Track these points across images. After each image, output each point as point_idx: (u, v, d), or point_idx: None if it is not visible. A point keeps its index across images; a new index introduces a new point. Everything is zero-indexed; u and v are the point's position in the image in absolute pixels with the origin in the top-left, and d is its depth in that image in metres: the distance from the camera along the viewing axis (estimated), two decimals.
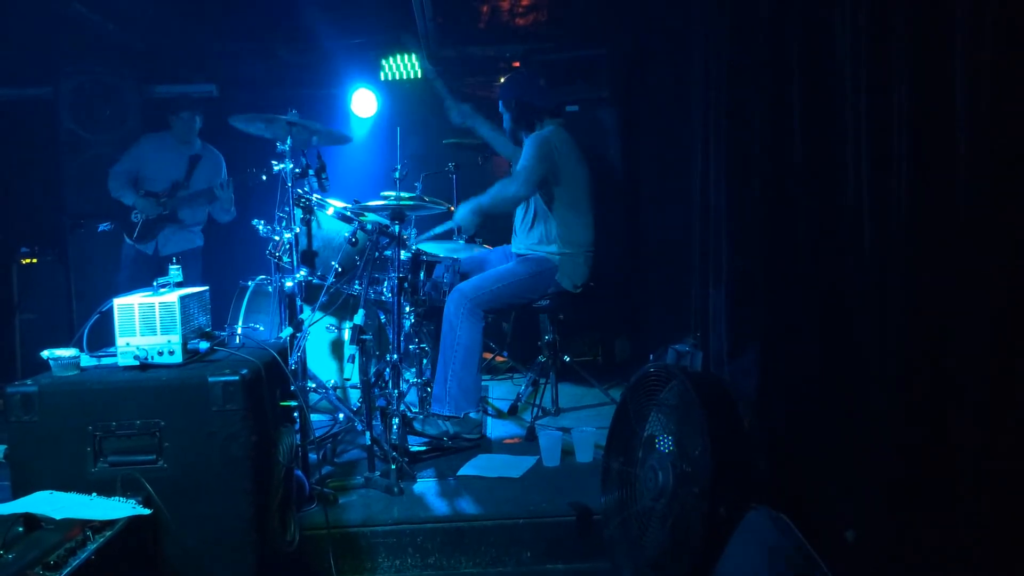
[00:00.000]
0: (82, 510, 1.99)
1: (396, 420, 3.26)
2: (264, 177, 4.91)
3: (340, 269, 3.58)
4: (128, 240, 5.05)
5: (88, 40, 5.30)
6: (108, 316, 2.40)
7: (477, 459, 3.44)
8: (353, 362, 3.48)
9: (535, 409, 4.05)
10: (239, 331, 3.87)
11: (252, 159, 4.69)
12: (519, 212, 4.13)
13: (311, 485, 2.97)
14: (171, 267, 2.56)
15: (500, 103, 4.18)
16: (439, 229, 4.18)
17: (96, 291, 5.14)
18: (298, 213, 3.45)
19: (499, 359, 5.17)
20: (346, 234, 3.59)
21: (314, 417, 3.80)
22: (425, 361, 4.19)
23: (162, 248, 5.06)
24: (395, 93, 5.99)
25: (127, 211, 5.04)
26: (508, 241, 4.22)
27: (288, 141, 3.34)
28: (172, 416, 2.24)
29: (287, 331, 3.23)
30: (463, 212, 3.94)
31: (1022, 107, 1.60)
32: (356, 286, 3.67)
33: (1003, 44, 1.62)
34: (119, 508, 2.06)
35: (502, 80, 4.50)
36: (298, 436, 2.82)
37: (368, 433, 3.25)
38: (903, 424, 1.95)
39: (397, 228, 3.42)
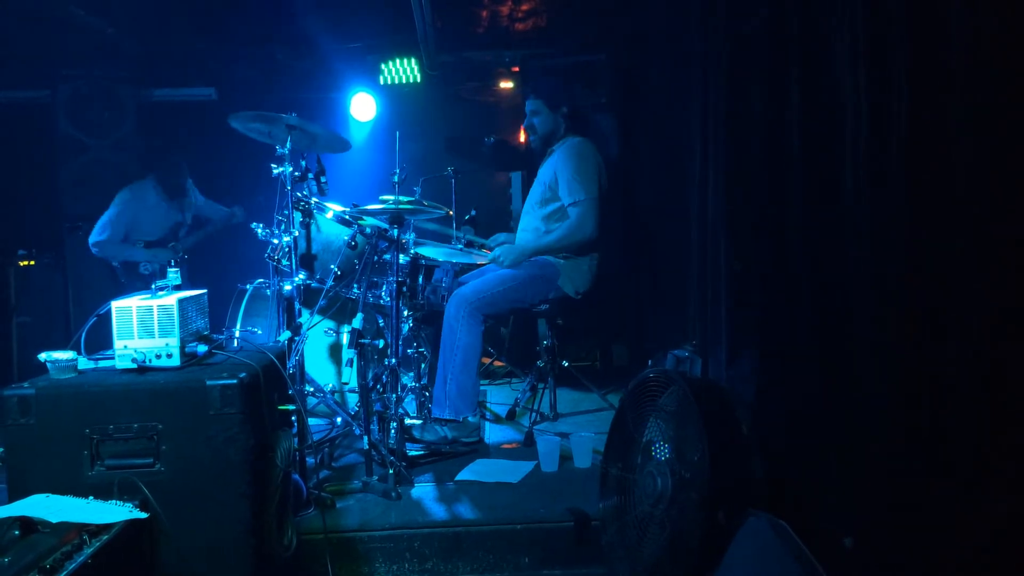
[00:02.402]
0: (79, 514, 1.98)
1: (394, 424, 3.25)
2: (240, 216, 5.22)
3: (339, 273, 3.57)
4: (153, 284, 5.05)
5: (86, 43, 5.30)
6: (106, 319, 2.40)
7: (475, 464, 3.43)
8: (351, 366, 3.47)
9: (533, 414, 4.05)
10: (237, 334, 3.86)
11: (251, 164, 4.69)
12: (526, 214, 4.12)
13: (309, 489, 2.96)
14: (169, 270, 2.55)
15: (540, 102, 4.11)
16: (474, 257, 4.05)
17: (94, 294, 5.13)
18: (297, 216, 3.45)
19: (497, 363, 5.17)
20: (345, 238, 3.59)
21: (312, 421, 3.79)
22: (423, 365, 4.19)
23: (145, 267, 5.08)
24: (394, 97, 6.00)
25: (134, 265, 5.02)
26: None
27: (287, 144, 3.34)
28: (170, 419, 2.23)
29: (285, 335, 3.23)
30: (515, 255, 3.91)
31: (1022, 107, 1.60)
32: (355, 290, 3.66)
33: (1001, 46, 1.62)
34: (116, 512, 2.05)
35: (543, 81, 4.43)
36: (296, 440, 2.82)
37: (366, 437, 3.24)
38: (902, 430, 1.95)
39: (396, 232, 3.42)
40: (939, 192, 1.80)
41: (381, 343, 3.47)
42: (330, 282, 3.54)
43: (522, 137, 5.38)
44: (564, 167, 3.95)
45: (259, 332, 4.01)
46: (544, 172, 4.10)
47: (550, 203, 4.02)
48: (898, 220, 1.94)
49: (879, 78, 2.00)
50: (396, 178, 3.45)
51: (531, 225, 4.08)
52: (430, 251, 3.98)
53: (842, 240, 2.20)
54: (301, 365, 3.31)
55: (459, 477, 3.28)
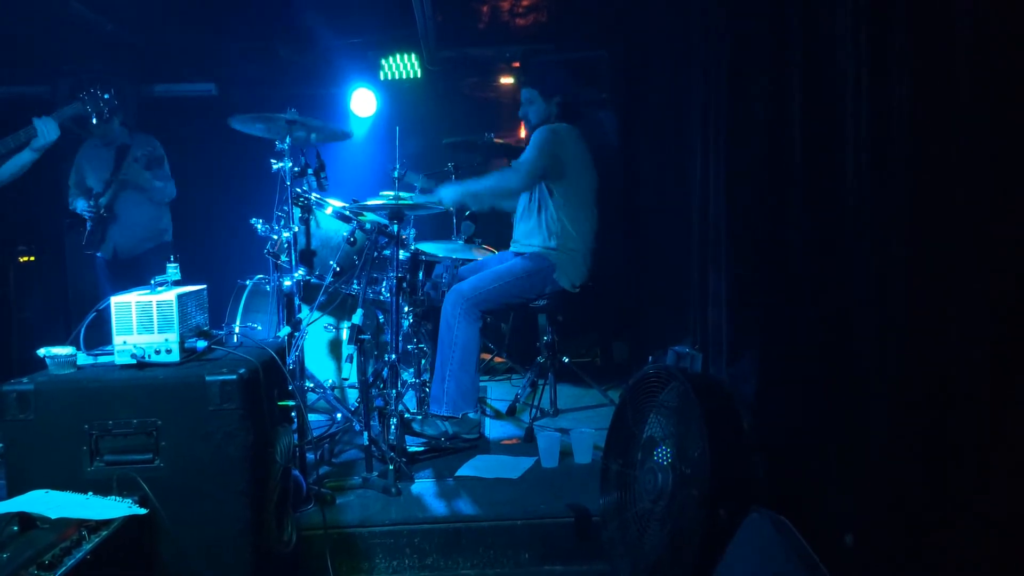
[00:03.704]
0: (78, 509, 1.97)
1: (394, 420, 3.25)
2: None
3: (338, 268, 3.57)
4: (84, 251, 4.92)
5: (86, 39, 5.29)
6: (105, 314, 2.39)
7: (475, 460, 3.43)
8: (351, 362, 3.47)
9: (533, 410, 4.05)
10: (237, 330, 3.86)
11: (251, 158, 4.68)
12: (519, 210, 4.11)
13: (308, 485, 2.96)
14: (169, 265, 2.55)
15: (535, 91, 4.07)
16: (420, 199, 3.84)
17: (93, 290, 5.12)
18: (296, 212, 3.44)
19: (497, 360, 5.16)
20: (344, 233, 3.58)
21: (312, 417, 3.79)
22: (424, 361, 4.18)
23: (120, 251, 4.93)
24: (394, 93, 5.99)
25: (84, 221, 4.91)
26: (508, 247, 4.21)
27: (287, 140, 3.33)
28: (169, 415, 2.22)
29: (285, 330, 3.22)
30: (451, 191, 3.84)
31: (1023, 108, 1.60)
32: (355, 286, 3.66)
33: (1004, 44, 1.62)
34: (115, 508, 2.04)
35: (537, 69, 4.39)
36: (296, 436, 2.81)
37: (366, 433, 3.24)
38: (902, 427, 1.94)
39: (396, 228, 3.41)
40: (941, 191, 1.80)
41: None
42: (329, 278, 3.54)
43: (522, 133, 5.37)
44: (532, 143, 3.93)
45: (259, 328, 4.01)
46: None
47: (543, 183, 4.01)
48: (899, 220, 1.94)
49: (880, 76, 1.99)
50: (396, 174, 3.44)
51: (524, 215, 4.07)
52: (431, 247, 3.97)
53: (843, 239, 2.19)
54: (301, 361, 3.31)
55: (459, 473, 3.27)
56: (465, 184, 3.89)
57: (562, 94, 4.05)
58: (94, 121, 4.04)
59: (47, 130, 3.85)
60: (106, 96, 3.76)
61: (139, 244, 4.95)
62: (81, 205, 4.92)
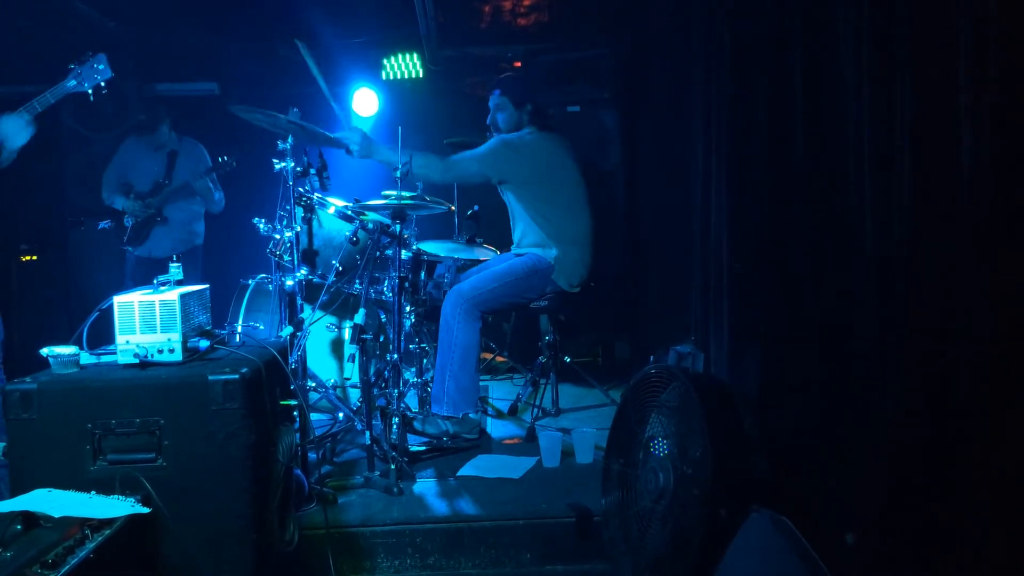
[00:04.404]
0: (81, 508, 1.98)
1: (396, 420, 3.26)
2: (235, 164, 5.02)
3: (341, 268, 3.57)
4: (124, 246, 5.06)
5: (88, 37, 5.28)
6: (108, 314, 2.40)
7: (477, 459, 3.44)
8: (353, 361, 3.47)
9: (535, 410, 4.05)
10: (239, 329, 3.87)
11: (255, 156, 4.68)
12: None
13: (310, 484, 2.97)
14: (171, 265, 2.55)
15: (504, 98, 4.05)
16: (333, 135, 3.69)
17: (96, 289, 5.14)
18: (299, 212, 3.45)
19: (499, 359, 5.16)
20: (347, 233, 3.59)
21: (314, 416, 3.80)
22: (425, 361, 4.19)
23: (155, 251, 5.05)
24: (396, 92, 5.99)
25: (120, 216, 5.05)
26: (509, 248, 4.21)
27: (289, 139, 3.33)
28: (172, 414, 2.23)
29: (287, 330, 3.23)
30: (384, 152, 3.69)
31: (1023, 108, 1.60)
32: (357, 285, 3.66)
33: (1005, 44, 1.62)
34: (118, 507, 2.05)
35: (509, 77, 4.39)
36: (298, 435, 2.82)
37: (368, 433, 3.24)
38: (903, 426, 1.94)
39: (398, 227, 3.41)
40: (944, 191, 1.80)
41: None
42: (332, 278, 3.54)
43: None
44: (481, 147, 3.90)
45: (261, 327, 4.02)
46: None
47: (505, 189, 4.01)
48: (900, 219, 1.94)
49: (882, 76, 1.99)
50: (398, 173, 3.45)
51: (511, 220, 4.08)
52: (433, 247, 3.97)
53: (844, 239, 2.19)
54: (303, 360, 3.31)
55: (461, 472, 3.28)
56: (405, 152, 3.56)
57: (533, 102, 4.04)
58: (91, 98, 3.57)
59: (13, 133, 3.27)
60: (99, 66, 3.38)
61: (175, 246, 5.03)
62: (121, 202, 5.03)
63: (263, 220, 3.52)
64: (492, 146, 3.87)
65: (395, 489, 3.04)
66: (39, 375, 2.29)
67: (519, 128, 4.01)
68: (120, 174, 5.11)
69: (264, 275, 4.13)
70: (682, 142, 3.71)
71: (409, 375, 4.09)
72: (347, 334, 4.10)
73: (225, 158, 5.05)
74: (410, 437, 3.43)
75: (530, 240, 3.94)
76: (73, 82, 3.33)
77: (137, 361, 2.33)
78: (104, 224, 5.17)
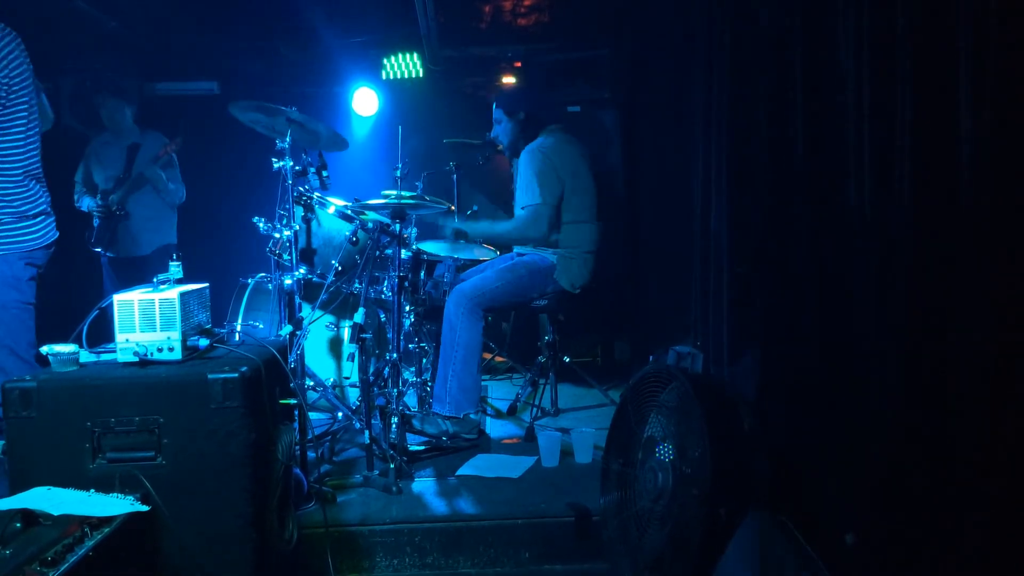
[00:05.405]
0: (80, 507, 1.98)
1: (395, 419, 3.26)
2: (176, 148, 4.90)
3: (340, 267, 3.57)
4: (93, 248, 4.92)
5: (89, 36, 5.29)
6: (108, 312, 2.40)
7: (476, 459, 3.44)
8: (352, 360, 3.47)
9: (534, 409, 4.05)
10: (239, 328, 3.87)
11: (253, 156, 4.68)
12: (514, 212, 4.12)
13: (309, 483, 2.97)
14: (171, 263, 2.55)
15: (499, 110, 4.14)
16: (482, 256, 4.08)
17: (95, 287, 5.13)
18: (298, 211, 3.45)
19: (498, 359, 5.16)
20: (347, 232, 3.59)
21: (313, 415, 3.79)
22: (425, 360, 4.19)
23: (128, 251, 4.95)
24: (396, 92, 6.00)
25: (90, 218, 4.92)
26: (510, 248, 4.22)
27: (288, 139, 3.33)
28: (171, 413, 2.23)
29: (287, 329, 3.23)
30: (466, 229, 3.97)
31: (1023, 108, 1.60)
32: (356, 284, 3.66)
33: (1005, 44, 1.62)
34: (117, 505, 2.05)
35: (503, 90, 4.47)
36: (297, 434, 2.82)
37: (367, 432, 3.24)
38: (903, 429, 1.94)
39: (398, 227, 3.41)
40: (944, 191, 1.80)
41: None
42: (331, 277, 3.54)
43: None
44: (521, 174, 3.99)
45: (260, 326, 4.02)
46: (517, 177, 4.15)
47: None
48: (900, 219, 1.94)
49: (882, 76, 2.00)
50: (398, 173, 3.45)
51: None
52: (432, 246, 3.97)
53: (844, 239, 2.19)
54: (302, 359, 3.31)
55: (460, 472, 3.28)
56: (480, 225, 4.00)
57: (525, 110, 4.08)
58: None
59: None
60: None
61: (145, 244, 4.96)
62: (87, 203, 4.92)
63: (263, 219, 3.52)
64: (526, 176, 3.92)
65: (394, 488, 3.04)
66: (39, 373, 2.30)
67: (517, 137, 4.07)
68: (86, 175, 4.99)
69: (264, 274, 4.13)
70: (682, 142, 3.71)
71: (408, 374, 4.09)
72: (346, 333, 4.11)
73: (166, 141, 4.89)
74: (409, 436, 3.44)
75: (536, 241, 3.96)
76: None
77: (137, 359, 2.33)
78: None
